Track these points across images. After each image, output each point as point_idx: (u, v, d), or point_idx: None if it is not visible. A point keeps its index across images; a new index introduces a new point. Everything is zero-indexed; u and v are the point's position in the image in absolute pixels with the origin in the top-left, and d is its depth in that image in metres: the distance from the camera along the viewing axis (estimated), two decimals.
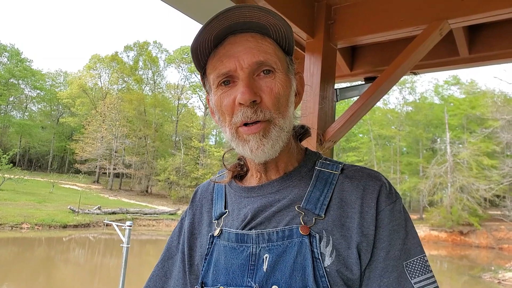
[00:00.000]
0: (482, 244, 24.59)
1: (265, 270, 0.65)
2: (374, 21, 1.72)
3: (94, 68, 43.78)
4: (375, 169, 0.74)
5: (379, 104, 34.54)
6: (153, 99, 41.17)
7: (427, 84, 51.89)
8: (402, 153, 35.47)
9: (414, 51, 1.60)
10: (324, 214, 0.66)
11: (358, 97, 1.81)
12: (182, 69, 43.40)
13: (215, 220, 0.76)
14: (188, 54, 42.26)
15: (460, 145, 29.10)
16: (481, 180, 25.79)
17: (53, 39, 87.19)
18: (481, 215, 25.74)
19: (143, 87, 44.32)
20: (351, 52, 2.27)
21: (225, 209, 0.76)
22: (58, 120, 45.68)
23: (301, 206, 0.68)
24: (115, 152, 36.72)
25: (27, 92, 45.06)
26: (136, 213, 25.24)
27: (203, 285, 0.71)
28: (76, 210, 22.46)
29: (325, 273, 0.62)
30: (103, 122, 37.23)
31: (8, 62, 43.11)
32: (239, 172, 0.79)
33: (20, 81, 43.39)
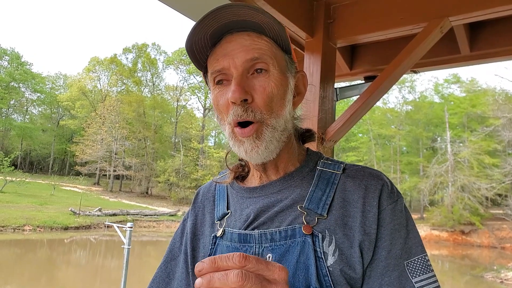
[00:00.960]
0: (484, 243, 24.54)
1: None
2: (373, 19, 1.71)
3: (94, 70, 43.87)
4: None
5: (379, 103, 34.55)
6: (152, 101, 41.23)
7: (427, 83, 51.95)
8: (402, 153, 35.45)
9: (415, 50, 1.59)
10: (327, 214, 0.66)
11: (358, 96, 1.81)
12: (180, 71, 43.47)
13: (218, 220, 0.76)
14: (186, 55, 42.02)
15: (461, 144, 29.07)
16: (482, 179, 25.75)
17: (53, 42, 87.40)
18: (483, 214, 25.70)
19: (142, 89, 44.39)
20: (351, 51, 2.26)
21: (227, 209, 0.76)
22: (58, 123, 45.76)
23: (303, 206, 0.68)
24: (115, 154, 36.74)
25: (27, 95, 45.17)
26: (136, 214, 25.25)
27: None
28: (77, 212, 22.48)
29: (328, 272, 0.62)
30: (102, 124, 37.26)
31: (9, 66, 43.21)
32: (241, 173, 0.79)
33: (20, 84, 43.49)
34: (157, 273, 0.83)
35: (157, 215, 26.28)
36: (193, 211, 0.83)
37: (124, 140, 37.48)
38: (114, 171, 36.43)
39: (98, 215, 22.98)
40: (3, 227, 18.54)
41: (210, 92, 0.74)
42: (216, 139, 46.92)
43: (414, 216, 29.79)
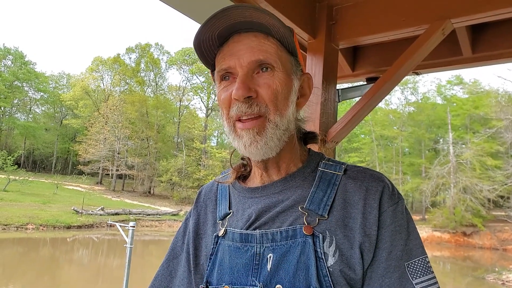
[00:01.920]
0: (485, 245, 24.40)
1: (269, 269, 0.65)
2: (375, 21, 1.71)
3: (97, 70, 43.99)
4: (378, 170, 0.74)
5: (381, 104, 34.43)
6: (155, 101, 41.30)
7: (429, 84, 51.74)
8: (404, 154, 35.31)
9: (417, 51, 1.59)
10: (327, 215, 0.67)
11: (360, 97, 1.81)
12: (183, 71, 43.51)
13: (220, 220, 0.77)
14: (189, 55, 42.36)
15: (463, 146, 28.92)
16: (484, 180, 25.60)
17: (56, 41, 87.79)
18: (485, 216, 25.54)
19: (145, 89, 44.48)
20: (353, 53, 2.26)
21: (229, 209, 0.76)
22: (61, 122, 45.93)
23: (304, 206, 0.68)
24: (118, 153, 36.84)
25: (31, 94, 45.38)
26: (139, 214, 25.31)
27: (208, 284, 0.72)
28: (80, 211, 22.56)
29: (328, 272, 0.62)
30: (105, 124, 37.37)
31: (12, 65, 43.45)
32: (243, 173, 0.80)
33: (24, 83, 43.70)
34: (159, 271, 0.84)
35: (159, 215, 26.33)
36: (195, 211, 0.84)
37: (127, 139, 37.57)
38: (117, 170, 36.53)
39: (100, 214, 23.05)
40: (6, 225, 18.64)
41: (216, 90, 0.76)
42: (219, 139, 46.94)
43: (416, 217, 29.69)
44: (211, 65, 0.74)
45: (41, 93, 45.98)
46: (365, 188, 0.67)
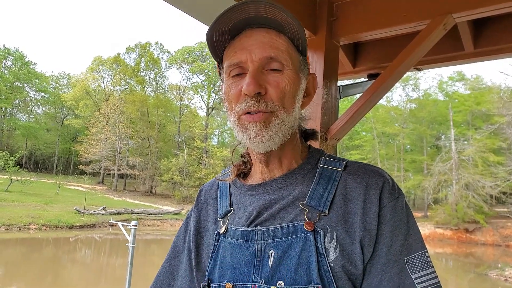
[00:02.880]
0: (488, 241, 24.38)
1: (270, 265, 0.66)
2: (376, 17, 1.70)
3: (97, 70, 44.03)
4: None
5: (382, 101, 34.37)
6: (155, 100, 41.32)
7: (431, 81, 51.55)
8: (406, 151, 35.26)
9: (418, 47, 1.58)
10: (328, 211, 0.67)
11: (361, 94, 1.80)
12: (184, 70, 43.48)
13: (221, 218, 0.77)
14: (189, 54, 42.33)
15: (465, 142, 28.85)
16: (487, 177, 25.55)
17: (56, 41, 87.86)
18: (487, 213, 25.52)
19: (145, 88, 44.50)
20: (354, 49, 2.25)
21: (230, 207, 0.77)
22: (62, 122, 46.03)
23: (305, 203, 0.68)
24: (119, 153, 36.91)
25: (31, 95, 45.49)
26: (140, 213, 25.38)
27: (209, 281, 0.72)
28: (82, 211, 22.64)
29: (329, 268, 0.63)
30: (106, 124, 37.43)
31: (13, 66, 43.52)
32: (243, 170, 0.80)
33: (24, 84, 43.81)
34: (161, 270, 0.84)
35: (161, 214, 26.40)
36: (196, 209, 0.84)
37: (128, 139, 37.64)
38: (118, 170, 36.61)
39: (102, 214, 23.12)
40: (9, 226, 18.73)
41: (222, 83, 0.76)
42: (220, 138, 47.01)
43: (418, 214, 29.68)
44: (219, 58, 0.74)
45: (42, 94, 46.09)
46: (365, 183, 0.67)
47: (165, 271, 0.83)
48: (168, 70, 52.19)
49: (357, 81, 2.24)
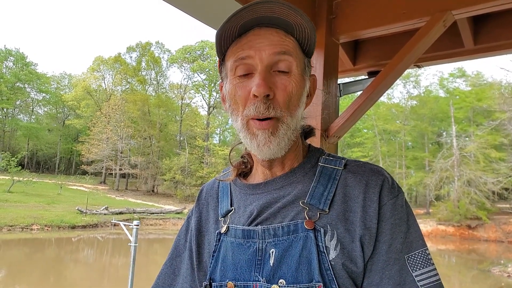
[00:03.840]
0: (490, 238, 24.34)
1: (271, 264, 0.66)
2: (376, 14, 1.70)
3: (98, 70, 44.07)
4: (380, 165, 0.74)
5: (383, 98, 34.31)
6: (156, 100, 41.35)
7: (431, 78, 51.42)
8: (408, 148, 35.20)
9: (418, 44, 1.58)
10: (328, 209, 0.67)
11: (361, 91, 1.80)
12: (184, 69, 43.48)
13: (222, 217, 0.77)
14: (190, 53, 42.29)
15: (467, 138, 28.77)
16: (488, 173, 25.49)
17: (57, 42, 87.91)
18: (490, 209, 25.45)
19: (146, 88, 44.52)
20: (354, 47, 2.25)
21: (231, 206, 0.77)
22: (64, 123, 46.12)
23: (305, 201, 0.69)
24: (121, 152, 36.98)
25: (33, 95, 45.58)
26: (143, 212, 25.43)
27: (211, 281, 0.73)
28: (84, 211, 22.71)
29: (330, 266, 0.63)
30: (108, 123, 37.49)
31: (14, 66, 43.59)
32: (243, 170, 0.80)
33: (26, 84, 43.87)
34: (162, 270, 0.85)
35: (163, 213, 26.45)
36: (197, 209, 0.84)
37: (129, 138, 37.69)
38: (120, 169, 36.68)
39: (104, 214, 23.18)
40: (11, 226, 18.81)
41: (222, 81, 0.75)
42: (221, 137, 47.01)
43: (420, 211, 29.65)
44: (223, 55, 0.73)
45: (43, 94, 46.16)
46: (365, 182, 0.67)
47: (166, 270, 0.84)
48: (169, 70, 52.29)
49: (357, 78, 2.24)
